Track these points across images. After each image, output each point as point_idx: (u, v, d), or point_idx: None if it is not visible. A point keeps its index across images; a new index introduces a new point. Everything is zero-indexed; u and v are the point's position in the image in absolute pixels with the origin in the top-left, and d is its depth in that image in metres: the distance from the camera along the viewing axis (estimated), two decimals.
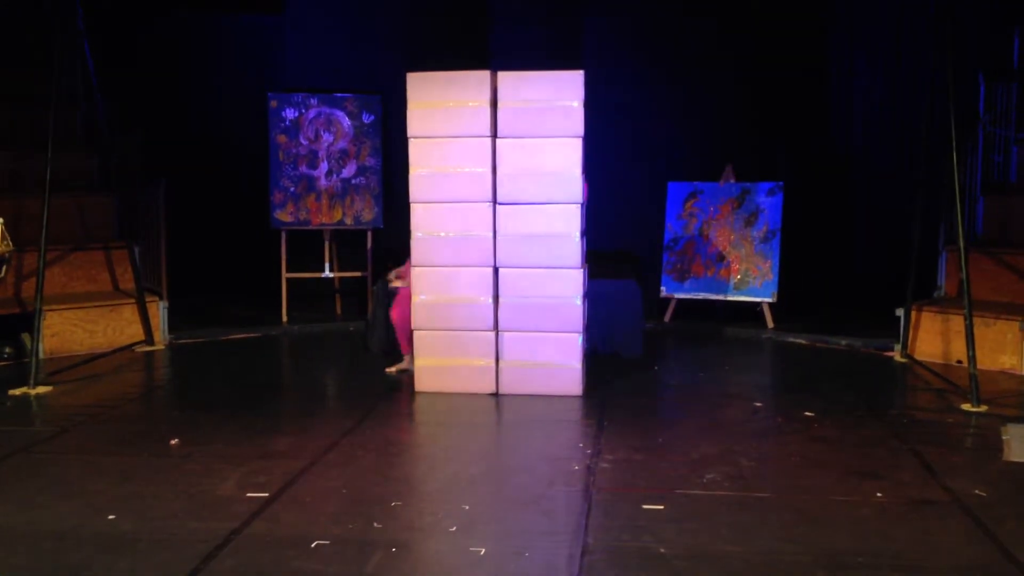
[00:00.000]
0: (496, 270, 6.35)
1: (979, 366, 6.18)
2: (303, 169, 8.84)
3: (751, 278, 8.68)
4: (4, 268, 6.44)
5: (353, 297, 9.37)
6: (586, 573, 3.63)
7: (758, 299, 8.63)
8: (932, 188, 7.53)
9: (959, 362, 6.99)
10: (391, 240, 8.82)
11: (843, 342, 7.98)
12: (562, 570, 3.67)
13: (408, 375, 6.76)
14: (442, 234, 6.35)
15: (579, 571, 3.64)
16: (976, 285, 6.98)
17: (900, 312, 7.54)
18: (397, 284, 7.08)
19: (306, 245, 9.14)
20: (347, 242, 9.33)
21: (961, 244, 6.46)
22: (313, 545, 3.85)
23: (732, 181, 8.93)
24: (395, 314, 7.00)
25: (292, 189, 8.82)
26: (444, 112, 6.29)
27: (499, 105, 6.27)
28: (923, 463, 4.93)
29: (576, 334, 6.30)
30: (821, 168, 9.57)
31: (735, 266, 8.75)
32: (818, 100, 9.68)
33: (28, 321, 7.08)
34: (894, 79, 9.32)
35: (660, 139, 9.66)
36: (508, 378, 6.38)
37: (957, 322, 6.98)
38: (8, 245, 6.67)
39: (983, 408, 5.92)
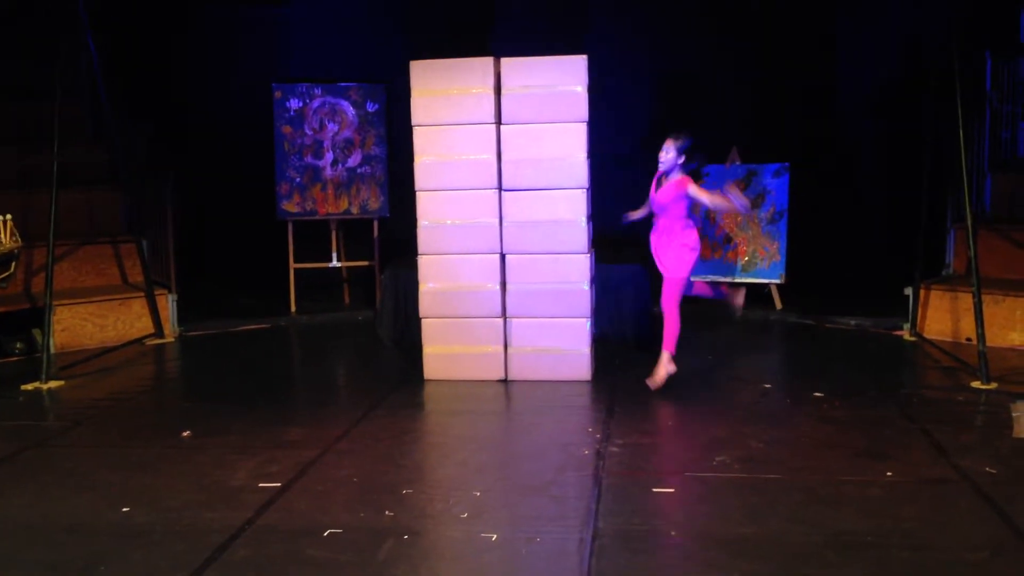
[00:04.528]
0: (503, 257, 6.36)
1: (988, 343, 6.18)
2: (308, 159, 8.84)
3: (759, 260, 8.65)
4: (13, 264, 6.46)
5: (361, 286, 9.38)
6: (597, 557, 3.64)
7: (766, 281, 8.61)
8: (939, 166, 7.50)
9: (968, 340, 6.98)
10: (398, 229, 8.82)
11: (852, 322, 7.97)
12: (573, 555, 3.68)
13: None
14: (448, 222, 6.35)
15: (590, 555, 3.66)
16: (985, 262, 6.96)
17: (909, 291, 7.53)
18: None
19: (313, 235, 9.14)
20: (354, 231, 9.33)
21: (969, 222, 6.44)
22: (326, 534, 3.88)
23: (738, 163, 8.90)
24: (665, 303, 6.02)
25: (298, 179, 8.82)
26: (448, 100, 6.28)
27: (503, 92, 6.26)
28: (933, 442, 4.93)
29: (584, 319, 6.31)
30: (827, 148, 9.52)
31: (742, 248, 8.73)
32: (823, 79, 9.63)
33: (38, 316, 7.12)
34: (900, 56, 9.26)
35: (665, 122, 9.61)
36: (517, 364, 6.39)
37: (966, 300, 6.96)
38: (17, 241, 6.68)
39: (993, 386, 5.91)
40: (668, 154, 5.98)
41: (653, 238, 6.17)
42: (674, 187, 5.96)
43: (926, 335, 7.37)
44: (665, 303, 6.03)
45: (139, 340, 7.74)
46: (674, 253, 6.02)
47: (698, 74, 9.54)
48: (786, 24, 9.46)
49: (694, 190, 5.92)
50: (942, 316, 7.33)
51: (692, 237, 6.02)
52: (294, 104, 8.79)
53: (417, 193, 6.38)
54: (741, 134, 9.12)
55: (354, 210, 8.92)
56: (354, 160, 8.91)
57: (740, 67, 9.44)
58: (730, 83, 9.48)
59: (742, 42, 9.43)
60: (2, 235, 6.26)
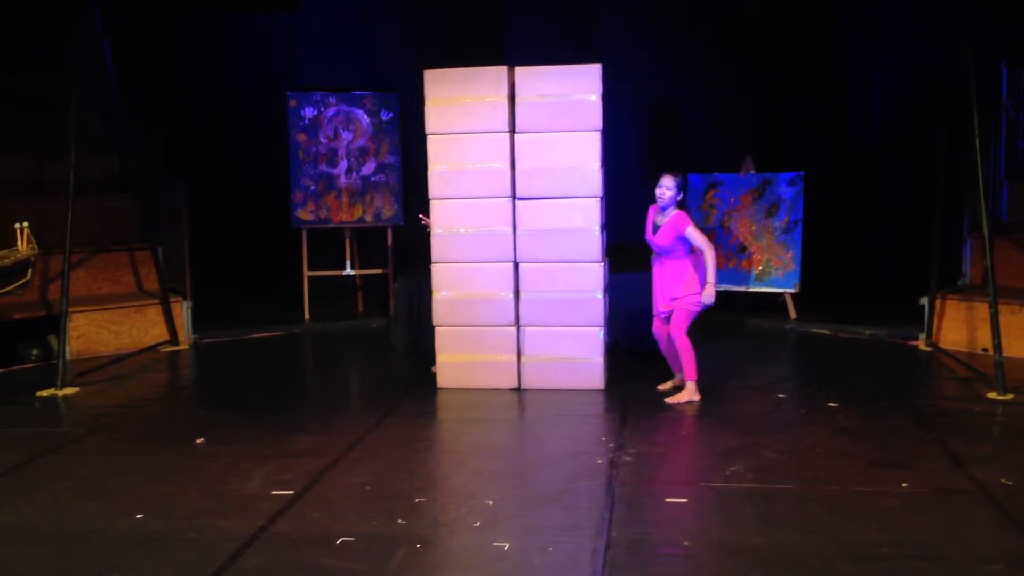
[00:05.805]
0: (516, 265, 6.35)
1: (1005, 354, 6.12)
2: (323, 167, 8.87)
3: (773, 269, 8.63)
4: (30, 271, 6.51)
5: (375, 294, 9.40)
6: (610, 567, 3.63)
7: (780, 290, 8.58)
8: (955, 175, 7.46)
9: (985, 350, 6.93)
10: (411, 237, 8.84)
11: (867, 332, 7.93)
12: (586, 565, 3.67)
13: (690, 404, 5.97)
14: (462, 230, 6.35)
15: (603, 565, 3.64)
16: (1001, 272, 6.91)
17: (924, 300, 7.48)
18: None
19: (327, 243, 9.18)
20: (368, 239, 9.36)
21: (985, 231, 6.40)
22: (338, 542, 3.88)
23: (752, 172, 8.88)
24: (675, 331, 5.96)
25: (312, 187, 8.85)
26: (462, 108, 6.29)
27: (517, 100, 6.26)
28: (948, 452, 4.89)
29: (598, 328, 6.29)
30: (841, 156, 9.50)
31: (757, 257, 8.71)
32: (837, 88, 9.61)
33: (54, 323, 7.15)
34: (915, 65, 9.23)
35: (679, 130, 9.61)
36: (530, 373, 6.38)
37: (982, 310, 6.91)
38: (34, 248, 6.74)
39: (1009, 396, 5.87)
40: (668, 191, 5.88)
41: (656, 271, 6.08)
42: (672, 228, 5.86)
43: (942, 345, 7.32)
44: (674, 330, 5.97)
45: (154, 347, 7.77)
46: (684, 295, 5.93)
47: (710, 81, 9.53)
48: (799, 32, 9.44)
49: (692, 232, 5.82)
50: (958, 326, 7.29)
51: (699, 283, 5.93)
52: (309, 112, 8.83)
53: (431, 201, 6.38)
54: (755, 143, 9.10)
55: (368, 218, 8.94)
56: (368, 168, 8.94)
57: (753, 74, 9.43)
58: (743, 91, 9.46)
59: (755, 50, 9.41)
60: (19, 242, 6.32)
